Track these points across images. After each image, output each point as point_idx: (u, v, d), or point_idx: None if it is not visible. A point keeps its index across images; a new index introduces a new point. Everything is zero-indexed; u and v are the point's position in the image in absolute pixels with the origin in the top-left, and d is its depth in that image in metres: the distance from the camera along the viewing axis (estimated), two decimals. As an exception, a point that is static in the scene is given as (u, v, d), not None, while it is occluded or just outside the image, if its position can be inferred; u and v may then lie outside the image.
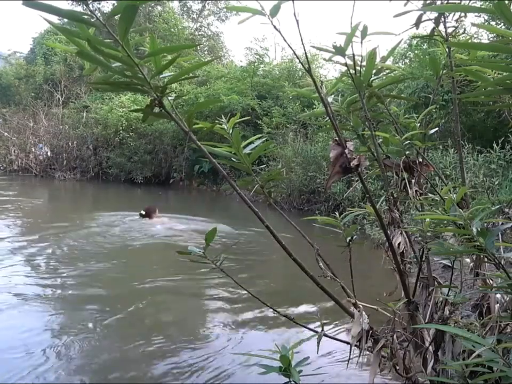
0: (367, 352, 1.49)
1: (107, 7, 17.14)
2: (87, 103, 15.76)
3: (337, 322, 3.10)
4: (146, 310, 3.38)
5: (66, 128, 15.03)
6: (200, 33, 21.27)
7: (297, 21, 1.34)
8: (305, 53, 1.41)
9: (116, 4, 1.05)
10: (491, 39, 6.40)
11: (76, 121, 15.09)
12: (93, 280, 3.99)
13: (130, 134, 13.46)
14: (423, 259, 1.58)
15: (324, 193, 8.20)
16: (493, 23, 6.30)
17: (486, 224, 1.57)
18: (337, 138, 1.50)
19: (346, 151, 1.47)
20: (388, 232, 1.55)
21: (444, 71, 1.70)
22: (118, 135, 13.48)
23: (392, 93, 5.72)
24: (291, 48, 1.53)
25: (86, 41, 1.08)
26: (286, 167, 8.79)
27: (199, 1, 21.03)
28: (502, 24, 5.67)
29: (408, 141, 1.64)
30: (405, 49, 9.12)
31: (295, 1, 1.29)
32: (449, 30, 1.68)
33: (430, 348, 1.49)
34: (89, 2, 1.04)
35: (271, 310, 1.58)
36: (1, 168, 15.27)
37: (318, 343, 1.48)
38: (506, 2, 0.86)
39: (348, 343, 1.50)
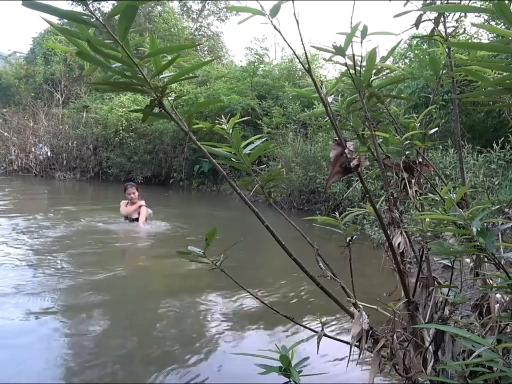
0: (367, 352, 1.49)
1: (107, 7, 17.20)
2: (87, 103, 15.78)
3: (337, 322, 3.09)
4: (144, 310, 3.38)
5: (66, 128, 15.05)
6: (200, 33, 21.31)
7: (297, 21, 1.34)
8: (305, 53, 1.41)
9: (115, 4, 1.05)
10: (491, 39, 6.40)
11: (75, 121, 15.12)
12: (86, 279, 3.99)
13: (130, 134, 13.48)
14: (423, 259, 1.58)
15: (324, 193, 8.20)
16: (492, 23, 6.30)
17: (486, 224, 1.57)
18: (337, 138, 1.50)
19: (346, 151, 1.47)
20: (388, 232, 1.55)
21: (444, 71, 1.70)
22: (118, 135, 13.49)
23: (392, 93, 5.73)
24: (291, 48, 1.53)
25: (85, 42, 1.08)
26: (286, 167, 8.78)
27: (199, 1, 21.05)
28: (502, 24, 5.67)
29: (408, 141, 1.64)
30: (405, 49, 9.11)
31: (295, 1, 1.29)
32: (449, 30, 1.68)
33: (430, 347, 1.49)
34: (88, 3, 1.04)
35: (271, 309, 1.58)
36: (1, 168, 15.28)
37: (318, 343, 1.48)
38: (506, 2, 0.86)
39: (348, 343, 1.50)
